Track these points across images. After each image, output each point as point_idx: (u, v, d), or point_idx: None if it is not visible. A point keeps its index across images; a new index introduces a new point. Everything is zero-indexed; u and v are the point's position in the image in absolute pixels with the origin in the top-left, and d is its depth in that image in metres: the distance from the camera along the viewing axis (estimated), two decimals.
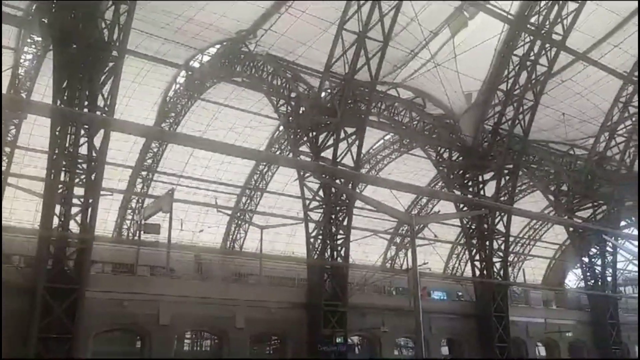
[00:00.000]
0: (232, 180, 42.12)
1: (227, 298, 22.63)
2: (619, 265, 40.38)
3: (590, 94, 32.07)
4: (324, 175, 24.38)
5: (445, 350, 30.12)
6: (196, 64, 31.94)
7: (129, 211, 39.63)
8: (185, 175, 39.44)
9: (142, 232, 28.42)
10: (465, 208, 30.52)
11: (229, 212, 42.52)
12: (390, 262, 49.95)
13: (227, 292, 23.12)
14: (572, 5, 25.93)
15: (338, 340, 23.48)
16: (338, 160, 25.01)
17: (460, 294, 34.02)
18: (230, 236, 44.38)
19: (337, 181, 24.65)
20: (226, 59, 30.15)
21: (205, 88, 34.18)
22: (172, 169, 39.25)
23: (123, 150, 36.23)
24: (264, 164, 42.16)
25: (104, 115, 18.80)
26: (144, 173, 38.78)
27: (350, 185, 25.37)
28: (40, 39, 26.57)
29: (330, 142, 25.03)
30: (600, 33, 28.94)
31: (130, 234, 38.49)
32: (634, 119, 33.25)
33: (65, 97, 18.38)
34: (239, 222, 44.45)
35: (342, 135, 25.00)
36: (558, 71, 29.74)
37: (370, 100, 26.54)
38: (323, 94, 25.94)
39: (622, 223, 40.65)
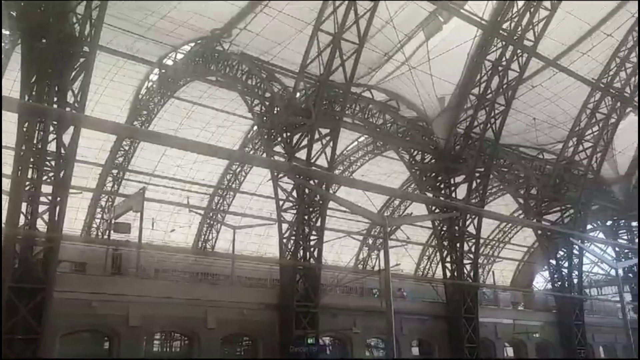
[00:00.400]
0: (205, 180, 41.76)
1: (198, 299, 22.37)
2: (585, 268, 41.39)
3: (560, 100, 32.78)
4: (297, 176, 24.32)
5: (416, 350, 30.36)
6: (170, 62, 31.56)
7: (99, 210, 38.93)
8: (157, 174, 38.90)
9: (112, 231, 27.97)
10: (437, 210, 30.88)
11: (201, 211, 42.16)
12: (362, 263, 50.14)
13: (198, 292, 22.87)
14: (543, 13, 26.50)
15: (309, 341, 23.46)
16: (312, 161, 24.96)
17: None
18: (202, 236, 43.98)
19: (311, 182, 24.59)
20: (200, 58, 29.83)
21: (179, 86, 33.74)
22: (144, 167, 38.71)
23: (93, 148, 35.51)
24: (238, 163, 41.88)
25: (73, 111, 18.43)
26: (114, 171, 38.10)
27: (323, 186, 25.38)
28: (8, 32, 25.87)
29: (305, 142, 24.96)
30: (569, 41, 29.63)
31: (99, 233, 37.80)
32: (600, 124, 34.09)
33: (33, 93, 17.90)
34: (211, 222, 44.08)
35: (317, 136, 24.97)
36: (529, 77, 30.34)
37: (345, 102, 26.61)
38: (298, 95, 25.88)
39: (589, 226, 41.68)
